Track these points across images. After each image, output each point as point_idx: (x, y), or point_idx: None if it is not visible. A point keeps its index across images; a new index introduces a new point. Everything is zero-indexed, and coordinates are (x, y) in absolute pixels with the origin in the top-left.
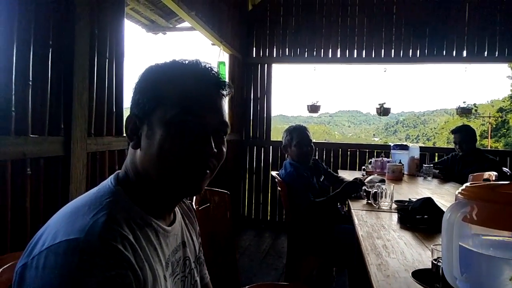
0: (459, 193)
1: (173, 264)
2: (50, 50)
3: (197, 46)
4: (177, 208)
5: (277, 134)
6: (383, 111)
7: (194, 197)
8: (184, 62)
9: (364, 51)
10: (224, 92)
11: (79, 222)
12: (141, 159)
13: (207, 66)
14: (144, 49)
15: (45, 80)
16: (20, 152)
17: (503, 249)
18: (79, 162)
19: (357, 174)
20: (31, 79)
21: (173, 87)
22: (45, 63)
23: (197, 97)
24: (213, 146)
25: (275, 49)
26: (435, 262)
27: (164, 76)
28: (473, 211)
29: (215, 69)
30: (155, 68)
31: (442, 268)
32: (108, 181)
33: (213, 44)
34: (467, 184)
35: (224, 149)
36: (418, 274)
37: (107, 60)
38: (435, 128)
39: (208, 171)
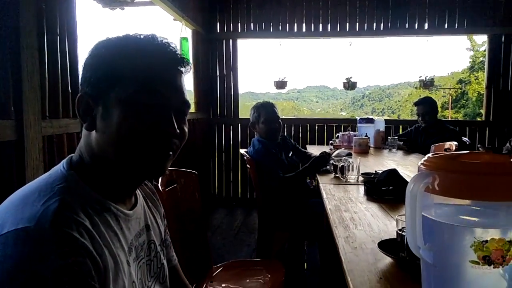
0: (421, 164)
1: (137, 248)
2: None
3: (157, 22)
4: (138, 191)
5: (245, 111)
6: (350, 85)
7: (160, 179)
8: (139, 36)
9: (329, 25)
10: (184, 69)
11: (28, 210)
12: (97, 141)
13: (164, 41)
14: (101, 26)
15: None
16: None
17: (464, 217)
18: (34, 146)
19: (325, 149)
20: None
21: (130, 64)
22: None
23: (157, 75)
24: (176, 126)
25: (239, 24)
26: (400, 232)
27: (119, 52)
28: (435, 181)
29: (173, 45)
30: (108, 43)
31: (406, 238)
32: (60, 166)
33: (174, 20)
34: (429, 155)
35: (186, 129)
36: (384, 245)
37: (58, 37)
38: (399, 101)
39: (171, 153)
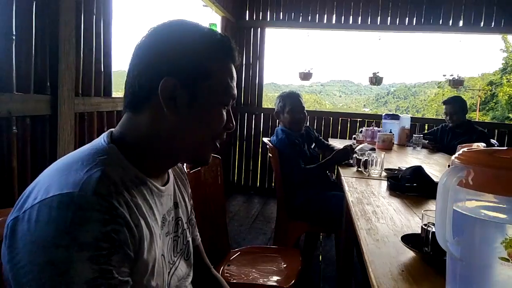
0: (455, 158)
1: (169, 223)
2: (34, 3)
3: (186, 7)
4: (170, 169)
5: (268, 102)
6: (377, 80)
7: None
8: (213, 32)
9: (359, 18)
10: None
11: (72, 177)
12: (173, 125)
13: (233, 45)
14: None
15: (29, 35)
16: (5, 110)
17: (495, 213)
18: (67, 122)
19: (347, 143)
20: (14, 33)
21: (221, 64)
22: (29, 17)
23: (234, 79)
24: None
25: (268, 13)
26: (425, 227)
27: (211, 49)
28: (469, 175)
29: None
30: (192, 32)
31: (431, 232)
32: (101, 139)
33: (204, 5)
34: (464, 149)
35: None
36: (407, 239)
37: (94, 17)
38: (425, 100)
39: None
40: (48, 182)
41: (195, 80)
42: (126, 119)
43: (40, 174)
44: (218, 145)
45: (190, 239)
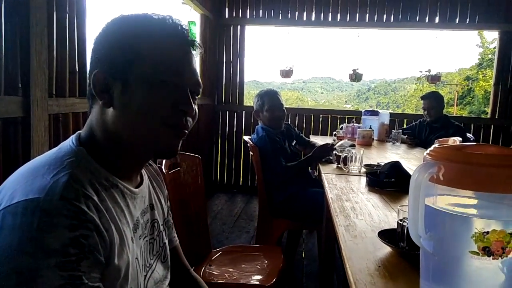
0: (427, 154)
1: (142, 226)
2: (3, 1)
3: (165, 4)
4: (144, 170)
5: (250, 100)
6: (357, 76)
7: (164, 161)
8: (153, 16)
9: (338, 15)
10: (195, 52)
11: (38, 182)
12: (114, 118)
13: (177, 22)
14: (108, 7)
15: None
16: None
17: (466, 208)
18: (40, 124)
19: (328, 140)
20: None
21: (152, 43)
22: None
23: (176, 55)
24: (193, 106)
25: (248, 10)
26: (401, 222)
27: (141, 31)
28: (440, 171)
29: (185, 26)
30: (124, 21)
31: (407, 227)
32: (69, 141)
33: (183, 3)
34: (435, 145)
35: (197, 110)
36: (384, 234)
37: (67, 15)
38: (405, 96)
39: (186, 131)
40: (13, 188)
41: (124, 66)
42: (88, 119)
43: (5, 180)
44: (180, 131)
45: (166, 241)
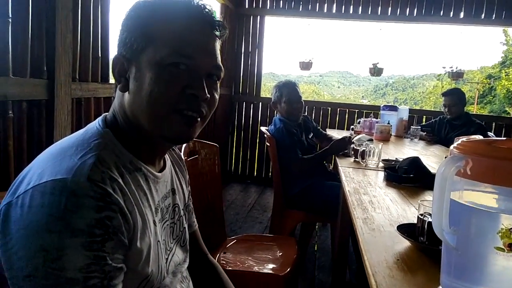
0: (454, 147)
1: (163, 210)
2: None
3: None
4: (167, 155)
5: (266, 92)
6: (376, 71)
7: (183, 148)
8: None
9: (360, 8)
10: (218, 33)
11: (66, 163)
12: (129, 103)
13: (200, 4)
14: None
15: (26, 18)
16: (1, 94)
17: (492, 203)
18: (63, 107)
19: (345, 134)
20: (10, 15)
21: (164, 25)
22: (24, 0)
23: (190, 37)
24: (206, 91)
25: (268, 1)
26: (421, 217)
27: (155, 13)
28: (468, 165)
29: (209, 7)
30: (144, 4)
31: (427, 222)
32: (96, 123)
33: None
34: (463, 138)
35: (217, 96)
36: (402, 228)
37: (91, 1)
38: (423, 92)
39: (199, 118)
40: (42, 168)
41: (137, 50)
42: (116, 98)
43: (34, 159)
44: (190, 117)
45: (186, 225)
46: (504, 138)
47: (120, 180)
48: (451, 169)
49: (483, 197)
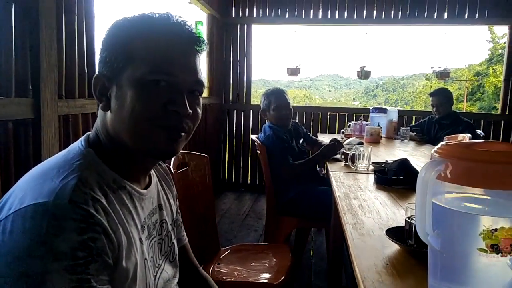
0: (434, 151)
1: (150, 227)
2: (13, 5)
3: (172, 5)
4: (153, 171)
5: (257, 98)
6: (364, 74)
7: (172, 161)
8: (154, 15)
9: (345, 12)
10: (199, 49)
11: (47, 186)
12: (111, 121)
13: (179, 20)
14: (116, 8)
15: (9, 37)
16: None
17: (474, 205)
18: (50, 125)
19: (335, 136)
20: None
21: (144, 42)
22: (8, 19)
23: (169, 54)
24: (188, 106)
25: (255, 9)
26: (408, 220)
27: (134, 31)
28: (448, 168)
29: (189, 23)
30: (123, 23)
31: (415, 225)
32: (78, 143)
33: (190, 3)
34: (443, 142)
35: (200, 110)
36: (392, 232)
37: (76, 17)
38: (413, 92)
39: (183, 134)
40: (23, 191)
41: (118, 68)
42: (98, 116)
43: (16, 183)
44: (173, 132)
45: (175, 240)
46: (482, 141)
47: (103, 200)
48: (432, 173)
49: (464, 199)
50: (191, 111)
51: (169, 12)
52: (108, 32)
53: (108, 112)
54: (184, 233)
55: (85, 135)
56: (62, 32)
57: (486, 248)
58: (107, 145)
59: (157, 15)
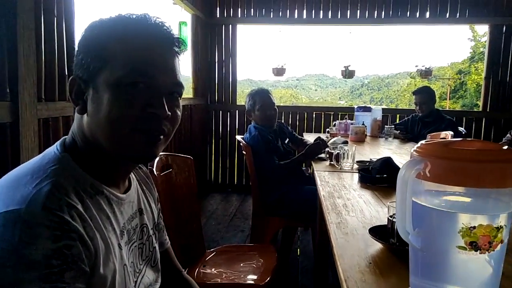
0: (414, 150)
1: (129, 232)
2: None
3: (156, 5)
4: (132, 174)
5: (243, 98)
6: (348, 73)
7: (155, 163)
8: (131, 16)
9: (330, 12)
10: (178, 50)
11: (20, 192)
12: (88, 125)
13: (157, 21)
14: (98, 8)
15: None
16: None
17: (453, 204)
18: (29, 128)
19: (322, 137)
20: None
21: (120, 44)
22: None
23: (147, 55)
24: (167, 109)
25: (239, 9)
26: (391, 219)
27: (110, 33)
28: (426, 167)
29: (167, 25)
30: (99, 24)
31: (396, 223)
32: (54, 148)
33: (174, 3)
34: (422, 141)
35: (179, 112)
36: (375, 231)
37: (55, 18)
38: (398, 91)
39: (162, 137)
40: None
41: (94, 71)
42: (74, 120)
43: None
44: (151, 135)
45: (156, 245)
46: (460, 139)
47: (80, 206)
48: (411, 172)
49: (444, 197)
50: (170, 113)
51: (147, 13)
52: (84, 33)
53: (85, 116)
54: (167, 237)
55: (61, 139)
56: (41, 33)
57: (465, 246)
58: (84, 149)
59: (134, 16)
